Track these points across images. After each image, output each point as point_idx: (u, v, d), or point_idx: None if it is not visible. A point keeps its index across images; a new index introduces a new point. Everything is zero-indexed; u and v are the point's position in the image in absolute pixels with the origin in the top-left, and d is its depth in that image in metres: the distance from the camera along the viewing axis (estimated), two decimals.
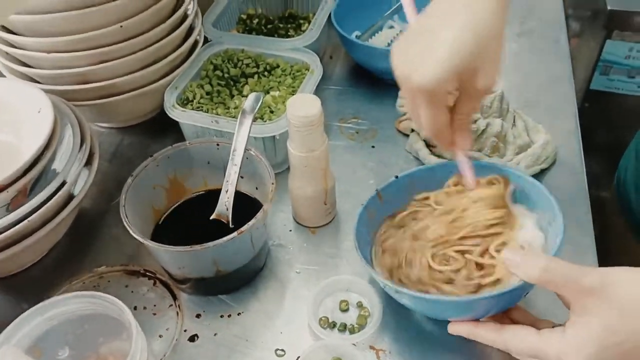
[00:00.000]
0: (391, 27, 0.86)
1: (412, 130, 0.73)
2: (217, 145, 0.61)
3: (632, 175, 0.70)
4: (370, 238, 0.56)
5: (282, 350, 0.54)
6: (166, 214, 0.62)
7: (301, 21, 0.86)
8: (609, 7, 1.14)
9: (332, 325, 0.55)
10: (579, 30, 1.39)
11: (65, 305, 0.39)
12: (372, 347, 0.53)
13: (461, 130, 0.50)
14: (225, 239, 0.51)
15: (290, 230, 0.65)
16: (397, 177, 0.58)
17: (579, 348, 0.40)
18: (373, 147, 0.73)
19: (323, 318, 0.55)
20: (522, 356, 0.44)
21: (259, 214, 0.53)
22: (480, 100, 0.50)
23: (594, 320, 0.39)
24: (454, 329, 0.48)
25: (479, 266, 0.49)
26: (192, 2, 0.72)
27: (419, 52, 0.45)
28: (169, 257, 0.55)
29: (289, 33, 0.84)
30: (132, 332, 0.37)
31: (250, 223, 0.52)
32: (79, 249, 0.64)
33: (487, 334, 0.46)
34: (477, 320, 0.48)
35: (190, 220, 0.61)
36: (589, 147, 0.79)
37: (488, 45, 0.45)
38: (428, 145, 0.71)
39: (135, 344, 0.36)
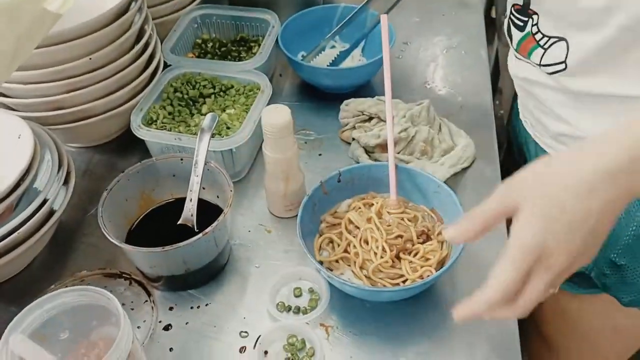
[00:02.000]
0: (333, 46, 0.97)
1: (353, 139, 0.83)
2: (181, 160, 0.70)
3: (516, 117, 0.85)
4: (314, 227, 0.68)
5: (246, 332, 0.63)
6: (137, 221, 0.70)
7: (252, 44, 0.95)
8: None
9: (288, 308, 0.64)
10: None
11: (61, 298, 0.47)
12: (322, 325, 0.63)
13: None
14: (192, 239, 0.60)
15: (249, 231, 0.74)
16: (339, 171, 0.70)
17: (526, 219, 0.44)
18: (320, 155, 0.83)
19: (280, 303, 0.64)
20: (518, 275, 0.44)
21: (220, 217, 0.62)
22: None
23: (524, 170, 0.46)
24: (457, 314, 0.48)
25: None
26: (152, 33, 0.81)
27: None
28: (142, 258, 0.63)
29: (241, 55, 0.94)
30: (120, 315, 0.45)
31: (213, 225, 0.61)
32: (60, 257, 0.71)
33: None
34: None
35: (159, 226, 0.70)
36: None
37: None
38: (367, 152, 0.82)
39: (124, 324, 0.45)
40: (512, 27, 0.72)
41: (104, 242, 0.64)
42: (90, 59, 0.70)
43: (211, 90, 0.83)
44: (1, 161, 0.68)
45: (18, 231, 0.61)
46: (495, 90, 1.59)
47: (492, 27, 1.76)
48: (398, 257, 0.64)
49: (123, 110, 0.77)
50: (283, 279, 0.67)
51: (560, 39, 0.65)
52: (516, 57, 0.74)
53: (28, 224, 0.62)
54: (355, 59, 0.94)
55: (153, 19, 0.86)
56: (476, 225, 0.47)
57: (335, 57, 0.94)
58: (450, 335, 0.61)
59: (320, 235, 0.68)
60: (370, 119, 0.85)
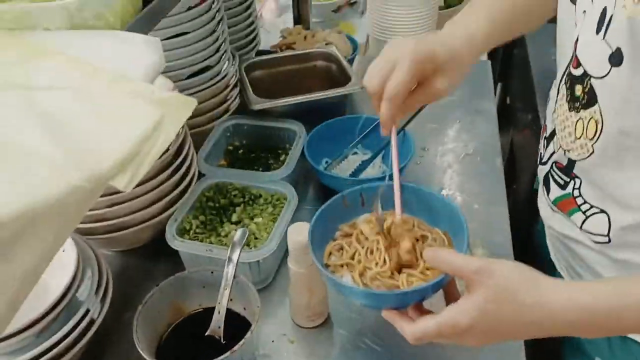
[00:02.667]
0: (355, 153, 1.02)
1: None
2: (212, 272, 0.74)
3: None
4: (330, 234, 0.70)
5: None
6: (167, 331, 0.73)
7: (279, 152, 1.02)
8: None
9: None
10: (527, 122, 1.58)
11: None
12: None
13: (405, 112, 0.65)
14: (220, 358, 0.63)
15: (273, 341, 0.76)
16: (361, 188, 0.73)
17: (467, 311, 0.53)
18: None
19: None
20: (436, 336, 0.55)
21: (248, 335, 0.66)
22: (429, 99, 0.65)
23: (477, 291, 0.53)
24: (385, 314, 0.60)
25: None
26: (190, 147, 0.87)
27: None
28: None
29: (269, 162, 1.00)
30: None
31: (240, 343, 0.65)
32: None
33: (404, 324, 0.57)
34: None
35: (187, 337, 0.73)
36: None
37: (463, 56, 0.65)
38: None
39: None
40: (552, 181, 0.72)
41: (135, 348, 0.67)
42: None
43: (241, 200, 0.88)
44: (45, 274, 0.73)
45: (62, 343, 0.65)
46: (513, 180, 1.63)
47: (507, 113, 1.83)
48: (400, 271, 0.66)
49: (159, 220, 0.82)
50: None
51: (602, 211, 0.65)
52: (552, 209, 0.74)
53: (71, 335, 0.66)
54: (377, 167, 1.00)
55: (190, 129, 0.93)
56: (442, 267, 0.58)
57: (358, 165, 0.99)
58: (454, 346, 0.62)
59: (334, 241, 0.71)
60: None
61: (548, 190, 0.74)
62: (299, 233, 0.71)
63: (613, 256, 0.66)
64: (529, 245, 0.96)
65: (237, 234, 0.74)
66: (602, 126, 0.60)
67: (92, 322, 0.70)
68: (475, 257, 0.58)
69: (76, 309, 0.68)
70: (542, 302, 0.52)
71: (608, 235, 0.65)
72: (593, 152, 0.63)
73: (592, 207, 0.66)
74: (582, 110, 0.63)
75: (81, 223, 0.78)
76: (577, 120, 0.64)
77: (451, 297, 0.60)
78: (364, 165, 0.99)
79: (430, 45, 0.62)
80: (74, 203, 0.35)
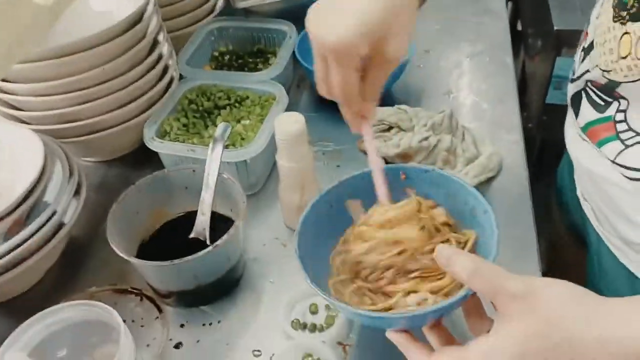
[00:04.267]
0: None
1: None
2: (194, 171, 0.67)
3: (568, 181, 0.77)
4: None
5: (259, 350, 0.60)
6: (149, 235, 0.68)
7: (269, 55, 0.94)
8: (555, 28, 1.23)
9: (304, 326, 0.61)
10: (537, 48, 1.49)
11: (62, 314, 0.45)
12: (339, 343, 0.59)
13: (370, 100, 0.52)
14: (202, 252, 0.58)
15: (264, 245, 0.71)
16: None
17: (499, 353, 0.40)
18: (338, 166, 0.80)
19: (295, 320, 0.61)
20: None
21: (232, 230, 0.60)
22: (390, 69, 0.51)
23: (514, 325, 0.40)
24: (390, 336, 0.48)
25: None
26: (166, 44, 0.80)
27: (332, 17, 0.47)
28: (153, 272, 0.61)
29: (257, 67, 0.92)
30: (121, 331, 0.43)
31: (224, 237, 0.59)
32: (71, 272, 0.70)
33: (417, 356, 0.45)
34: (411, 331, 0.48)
35: (171, 240, 0.67)
36: (546, 157, 0.86)
37: (398, 15, 0.47)
38: (387, 162, 0.78)
39: (124, 338, 0.42)
40: (584, 101, 0.60)
41: (116, 257, 0.61)
42: (103, 69, 0.69)
43: (226, 102, 0.81)
44: (12, 174, 0.67)
45: (27, 243, 0.59)
46: (523, 104, 1.54)
47: (518, 39, 1.72)
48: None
49: (136, 122, 0.76)
50: (299, 294, 0.63)
51: None
52: (581, 137, 0.61)
53: (37, 235, 0.60)
54: None
55: (170, 32, 0.85)
56: (462, 275, 0.43)
57: None
58: None
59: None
60: (390, 128, 0.81)
61: (577, 113, 0.61)
62: (288, 123, 0.64)
63: None
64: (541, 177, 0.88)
65: (219, 128, 0.67)
66: None
67: (61, 225, 0.64)
68: (509, 274, 0.42)
69: (43, 211, 0.62)
70: (606, 337, 0.39)
71: None
72: None
73: (637, 134, 0.53)
74: (629, 23, 0.50)
75: (52, 123, 0.72)
76: (623, 35, 0.51)
77: (473, 314, 0.47)
78: None
79: (360, 23, 0.46)
80: None
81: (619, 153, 0.55)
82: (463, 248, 0.52)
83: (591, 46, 0.58)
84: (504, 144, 0.79)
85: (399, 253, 0.50)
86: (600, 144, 0.57)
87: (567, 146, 0.67)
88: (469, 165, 0.76)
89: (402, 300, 0.49)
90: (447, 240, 0.52)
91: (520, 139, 0.81)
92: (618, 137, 0.55)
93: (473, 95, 0.89)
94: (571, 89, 0.64)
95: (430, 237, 0.51)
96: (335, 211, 0.57)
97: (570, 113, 0.64)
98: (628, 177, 0.55)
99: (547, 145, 1.42)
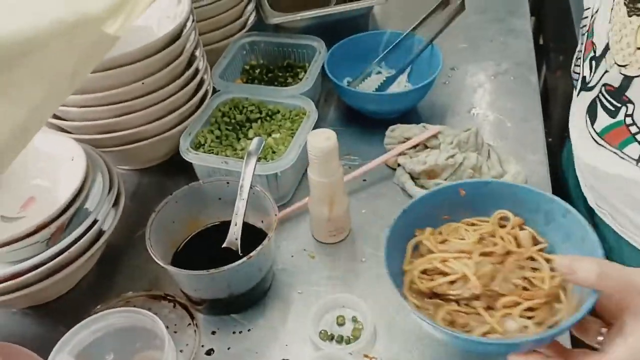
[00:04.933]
0: (379, 72, 0.96)
1: (399, 165, 0.82)
2: (227, 183, 0.70)
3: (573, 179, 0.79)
4: (400, 261, 0.57)
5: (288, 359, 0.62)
6: (183, 243, 0.70)
7: (298, 70, 0.96)
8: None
9: (331, 337, 0.63)
10: (559, 63, 1.50)
11: (106, 320, 0.47)
12: (365, 356, 0.61)
13: None
14: (237, 263, 0.60)
15: (292, 256, 0.73)
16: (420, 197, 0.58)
17: None
18: (364, 180, 0.82)
19: (322, 331, 0.63)
20: None
21: (265, 242, 0.62)
22: None
23: None
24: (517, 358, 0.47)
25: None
26: (202, 59, 0.83)
27: None
28: (187, 280, 0.63)
29: (287, 81, 0.94)
30: (165, 338, 0.45)
31: (257, 249, 0.61)
32: (107, 278, 0.73)
33: None
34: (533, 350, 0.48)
35: (204, 249, 0.70)
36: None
37: None
38: (413, 178, 0.80)
39: (168, 347, 0.44)
40: (600, 108, 0.62)
41: (150, 264, 0.64)
42: (142, 83, 0.72)
43: (258, 115, 0.83)
44: (55, 182, 0.70)
45: (68, 250, 0.62)
46: (545, 118, 1.55)
47: (540, 54, 1.73)
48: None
49: (172, 134, 0.78)
50: (326, 306, 0.65)
51: None
52: (596, 142, 0.64)
53: (78, 243, 0.63)
54: (401, 85, 0.94)
55: (204, 46, 0.88)
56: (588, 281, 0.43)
57: (381, 83, 0.94)
58: None
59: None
60: (416, 145, 0.83)
61: (593, 120, 0.63)
62: (321, 139, 0.66)
63: None
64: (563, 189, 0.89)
65: (253, 142, 0.70)
66: None
67: (101, 233, 0.67)
68: (633, 269, 0.43)
69: (84, 219, 0.65)
70: None
71: None
72: None
73: None
74: None
75: (91, 133, 0.75)
76: (639, 27, 0.54)
77: (581, 329, 0.48)
78: (388, 82, 0.93)
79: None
80: (58, 37, 0.31)
81: None
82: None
83: (604, 51, 0.61)
84: (528, 164, 0.81)
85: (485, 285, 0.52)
86: (622, 145, 0.60)
87: (580, 158, 0.69)
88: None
89: (500, 324, 0.50)
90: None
91: (544, 160, 0.82)
92: (635, 139, 0.58)
93: (497, 113, 0.91)
94: (583, 98, 0.66)
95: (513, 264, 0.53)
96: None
97: (585, 121, 0.66)
98: None
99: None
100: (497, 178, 0.78)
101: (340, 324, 0.64)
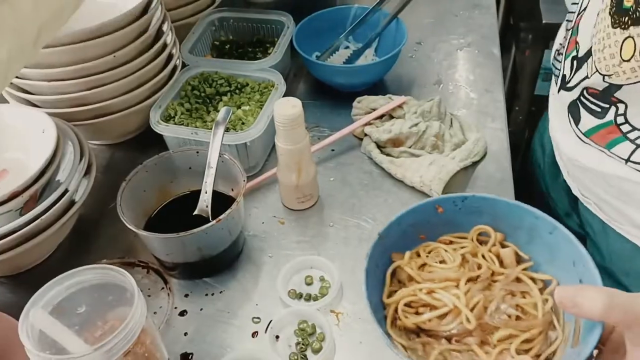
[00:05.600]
0: (347, 47, 0.99)
1: (365, 135, 0.85)
2: (197, 152, 0.72)
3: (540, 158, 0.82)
4: (379, 292, 0.54)
5: (258, 318, 0.64)
6: (155, 211, 0.72)
7: (267, 45, 0.98)
8: (544, 21, 1.28)
9: (299, 296, 0.66)
10: (528, 42, 1.54)
11: (79, 276, 0.49)
12: (332, 311, 0.64)
13: None
14: (206, 226, 0.62)
15: (263, 223, 0.75)
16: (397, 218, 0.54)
17: None
18: (333, 150, 0.85)
19: (291, 291, 0.66)
20: None
21: (233, 206, 0.64)
22: None
23: None
24: None
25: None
26: (170, 33, 0.84)
27: None
28: (159, 245, 0.66)
29: (257, 56, 0.96)
30: (134, 292, 0.47)
31: (226, 212, 0.63)
32: (81, 247, 0.74)
33: None
34: None
35: (176, 217, 0.72)
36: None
37: None
38: (379, 146, 0.83)
39: (138, 299, 0.47)
40: (583, 110, 0.62)
41: (124, 233, 0.66)
42: (114, 56, 0.73)
43: (227, 88, 0.85)
44: (27, 155, 0.71)
45: (40, 218, 0.64)
46: (514, 95, 1.59)
47: (510, 33, 1.77)
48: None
49: (143, 107, 0.80)
50: (295, 267, 0.68)
51: None
52: (582, 140, 0.64)
53: (50, 212, 0.65)
54: (369, 58, 0.96)
55: (173, 22, 0.89)
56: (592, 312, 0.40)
57: (348, 57, 0.96)
58: None
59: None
60: (382, 115, 0.86)
61: (577, 120, 0.63)
62: (286, 107, 0.68)
63: None
64: (526, 169, 0.92)
65: (221, 112, 0.72)
66: None
67: (73, 203, 0.69)
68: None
69: (56, 189, 0.66)
70: None
71: None
72: None
73: None
74: (632, 27, 0.51)
75: (63, 107, 0.76)
76: (625, 39, 0.52)
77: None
78: (355, 55, 0.96)
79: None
80: None
81: (632, 152, 0.57)
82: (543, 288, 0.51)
83: (587, 55, 0.60)
84: (489, 132, 0.84)
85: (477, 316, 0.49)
86: (610, 145, 0.59)
87: (562, 150, 0.69)
88: (456, 150, 0.81)
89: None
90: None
91: (504, 127, 0.85)
92: (626, 138, 0.57)
93: (462, 85, 0.94)
94: (562, 97, 0.65)
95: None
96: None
97: (568, 120, 0.65)
98: None
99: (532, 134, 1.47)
100: (459, 145, 0.81)
101: (309, 284, 0.67)
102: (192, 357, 0.62)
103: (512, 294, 0.51)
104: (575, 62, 0.63)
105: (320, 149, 0.83)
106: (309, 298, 0.65)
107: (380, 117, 0.86)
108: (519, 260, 0.54)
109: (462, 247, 0.55)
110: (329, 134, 0.87)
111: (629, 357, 0.40)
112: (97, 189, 0.79)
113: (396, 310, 0.52)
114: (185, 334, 0.64)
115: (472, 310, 0.49)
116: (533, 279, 0.52)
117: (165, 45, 0.82)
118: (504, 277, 0.52)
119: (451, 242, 0.56)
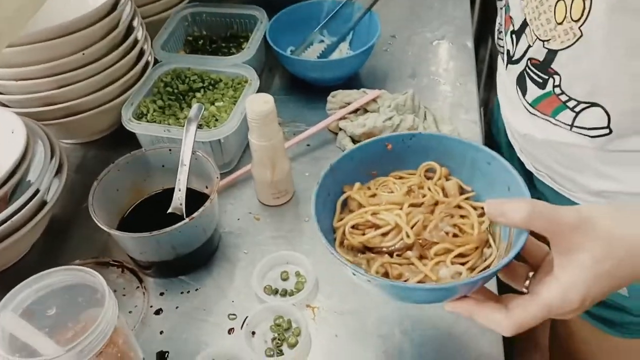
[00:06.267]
0: (321, 41, 0.99)
1: (340, 129, 0.85)
2: (170, 150, 0.71)
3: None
4: (330, 218, 0.57)
5: (234, 314, 0.64)
6: (128, 210, 0.72)
7: (241, 40, 0.97)
8: None
9: (275, 291, 0.66)
10: None
11: (48, 278, 0.49)
12: (308, 306, 0.64)
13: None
14: (179, 224, 0.62)
15: (238, 219, 0.75)
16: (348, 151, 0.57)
17: (577, 285, 0.42)
18: (308, 145, 0.85)
19: (267, 286, 0.66)
20: (541, 320, 0.44)
21: (207, 203, 0.64)
22: None
23: (581, 255, 0.42)
24: (453, 306, 0.48)
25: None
26: (141, 29, 0.83)
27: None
28: (133, 244, 0.65)
29: (231, 51, 0.96)
30: (105, 292, 0.47)
31: (199, 210, 0.63)
32: (55, 248, 0.74)
33: (493, 315, 0.45)
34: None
35: (150, 216, 0.71)
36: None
37: None
38: (354, 140, 0.83)
39: (109, 299, 0.46)
40: (528, 80, 0.64)
41: (97, 233, 0.66)
42: (83, 54, 0.72)
43: (200, 85, 0.85)
44: None
45: (11, 220, 0.63)
46: (491, 87, 1.61)
47: (486, 25, 1.78)
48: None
49: (114, 105, 0.79)
50: (270, 263, 0.68)
51: (594, 104, 0.58)
52: (529, 112, 0.66)
53: (20, 213, 0.64)
54: (343, 52, 0.96)
55: (144, 18, 0.89)
56: (514, 220, 0.44)
57: (322, 51, 0.96)
58: (438, 314, 0.63)
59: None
60: (357, 109, 0.86)
61: (524, 92, 0.66)
62: (258, 103, 0.68)
63: (617, 148, 0.60)
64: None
65: (193, 108, 0.72)
66: (590, 2, 0.53)
67: (44, 203, 0.68)
68: (559, 206, 0.43)
69: (26, 190, 0.66)
70: None
71: (609, 126, 0.58)
72: (581, 35, 0.55)
73: (579, 103, 0.59)
74: None
75: (32, 106, 0.75)
76: (557, 2, 0.56)
77: (510, 274, 0.49)
78: (329, 49, 0.95)
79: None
80: None
81: (573, 119, 0.61)
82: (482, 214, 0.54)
83: (523, 26, 0.63)
84: (462, 123, 0.85)
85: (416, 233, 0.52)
86: (554, 113, 0.62)
87: (513, 127, 0.71)
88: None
89: (434, 272, 0.51)
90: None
91: (477, 119, 0.86)
92: (566, 106, 0.60)
93: (435, 77, 0.95)
94: (511, 71, 0.67)
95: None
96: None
97: (516, 93, 0.67)
98: (589, 136, 0.60)
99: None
100: None
101: (284, 279, 0.67)
102: (167, 356, 0.61)
103: (452, 216, 0.54)
104: (514, 36, 0.66)
105: (295, 144, 0.83)
106: (284, 293, 0.66)
107: (355, 111, 0.86)
108: (462, 192, 0.58)
109: (409, 182, 0.58)
110: (304, 128, 0.87)
111: (556, 264, 0.43)
112: (69, 189, 0.78)
113: (344, 233, 0.55)
114: (161, 332, 0.63)
115: (412, 228, 0.53)
116: (474, 208, 0.55)
117: (136, 42, 0.81)
118: (446, 204, 0.56)
119: (401, 178, 0.59)
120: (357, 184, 0.58)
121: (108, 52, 0.76)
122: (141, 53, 0.83)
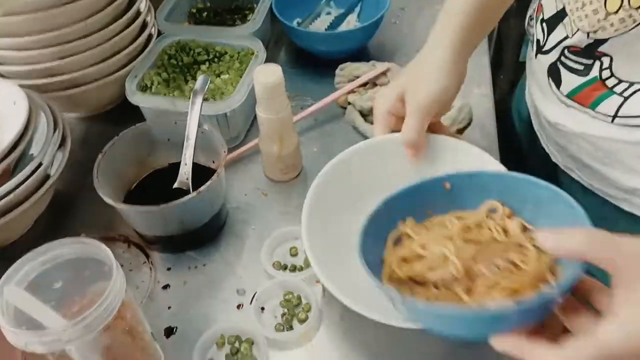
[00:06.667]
0: (328, 13, 0.96)
1: (349, 103, 0.83)
2: (175, 122, 0.70)
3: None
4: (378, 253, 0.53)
5: (243, 290, 0.63)
6: (134, 185, 0.70)
7: (246, 12, 0.95)
8: None
9: (284, 267, 0.65)
10: (512, 10, 1.52)
11: (53, 251, 0.48)
12: (317, 282, 0.63)
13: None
14: (186, 198, 0.61)
15: (246, 195, 0.74)
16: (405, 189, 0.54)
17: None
18: (316, 119, 0.83)
19: (276, 262, 0.65)
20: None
21: (214, 177, 0.63)
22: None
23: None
24: (500, 344, 0.42)
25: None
26: (144, 0, 0.81)
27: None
28: (139, 218, 0.64)
29: (236, 24, 0.93)
30: (112, 265, 0.46)
31: (207, 184, 0.62)
32: (59, 223, 0.72)
33: (544, 353, 0.40)
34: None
35: (156, 190, 0.70)
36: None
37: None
38: (363, 115, 0.81)
39: (116, 272, 0.45)
40: (564, 70, 0.62)
41: (103, 208, 0.64)
42: (85, 23, 0.70)
43: (205, 57, 0.83)
44: None
45: (14, 193, 0.61)
46: (499, 63, 1.58)
47: None
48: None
49: (117, 77, 0.77)
50: (279, 238, 0.67)
51: None
52: (564, 104, 0.63)
53: (23, 186, 0.62)
54: (351, 25, 0.94)
55: None
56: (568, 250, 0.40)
57: (330, 23, 0.94)
58: None
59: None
60: (366, 83, 0.84)
61: (558, 83, 0.63)
62: (266, 74, 0.66)
63: None
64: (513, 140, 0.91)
65: (198, 80, 0.70)
66: None
67: (48, 176, 0.66)
68: (618, 236, 0.40)
69: (29, 162, 0.64)
70: None
71: None
72: None
73: (632, 84, 0.55)
74: None
75: (34, 78, 0.73)
76: None
77: (569, 309, 0.43)
78: (337, 21, 0.93)
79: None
80: None
81: (619, 107, 0.57)
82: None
83: (559, 15, 0.60)
84: (474, 97, 0.83)
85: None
86: (594, 104, 0.59)
87: (545, 118, 0.68)
88: (440, 117, 0.79)
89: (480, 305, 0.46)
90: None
91: (489, 93, 0.84)
92: (613, 92, 0.57)
93: None
94: (544, 60, 0.64)
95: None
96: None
97: (548, 85, 0.65)
98: (632, 125, 0.57)
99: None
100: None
101: (293, 255, 0.66)
102: (176, 331, 0.61)
103: (508, 252, 0.49)
104: (545, 25, 0.63)
105: (303, 119, 0.81)
106: (294, 269, 0.64)
107: (364, 84, 0.84)
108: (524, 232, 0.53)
109: (468, 220, 0.53)
110: (311, 102, 0.85)
111: (616, 300, 0.39)
112: (73, 163, 0.77)
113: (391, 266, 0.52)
114: (169, 307, 0.62)
115: (461, 261, 0.48)
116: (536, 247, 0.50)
117: (139, 12, 0.79)
118: (505, 243, 0.50)
119: (460, 218, 0.54)
120: (411, 219, 0.54)
121: (110, 22, 0.73)
122: (144, 24, 0.80)
